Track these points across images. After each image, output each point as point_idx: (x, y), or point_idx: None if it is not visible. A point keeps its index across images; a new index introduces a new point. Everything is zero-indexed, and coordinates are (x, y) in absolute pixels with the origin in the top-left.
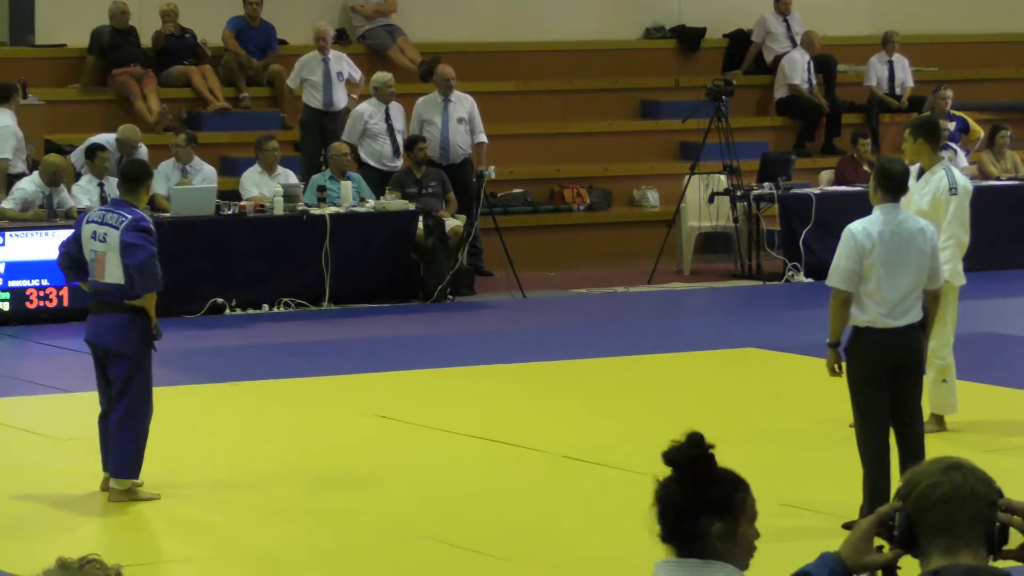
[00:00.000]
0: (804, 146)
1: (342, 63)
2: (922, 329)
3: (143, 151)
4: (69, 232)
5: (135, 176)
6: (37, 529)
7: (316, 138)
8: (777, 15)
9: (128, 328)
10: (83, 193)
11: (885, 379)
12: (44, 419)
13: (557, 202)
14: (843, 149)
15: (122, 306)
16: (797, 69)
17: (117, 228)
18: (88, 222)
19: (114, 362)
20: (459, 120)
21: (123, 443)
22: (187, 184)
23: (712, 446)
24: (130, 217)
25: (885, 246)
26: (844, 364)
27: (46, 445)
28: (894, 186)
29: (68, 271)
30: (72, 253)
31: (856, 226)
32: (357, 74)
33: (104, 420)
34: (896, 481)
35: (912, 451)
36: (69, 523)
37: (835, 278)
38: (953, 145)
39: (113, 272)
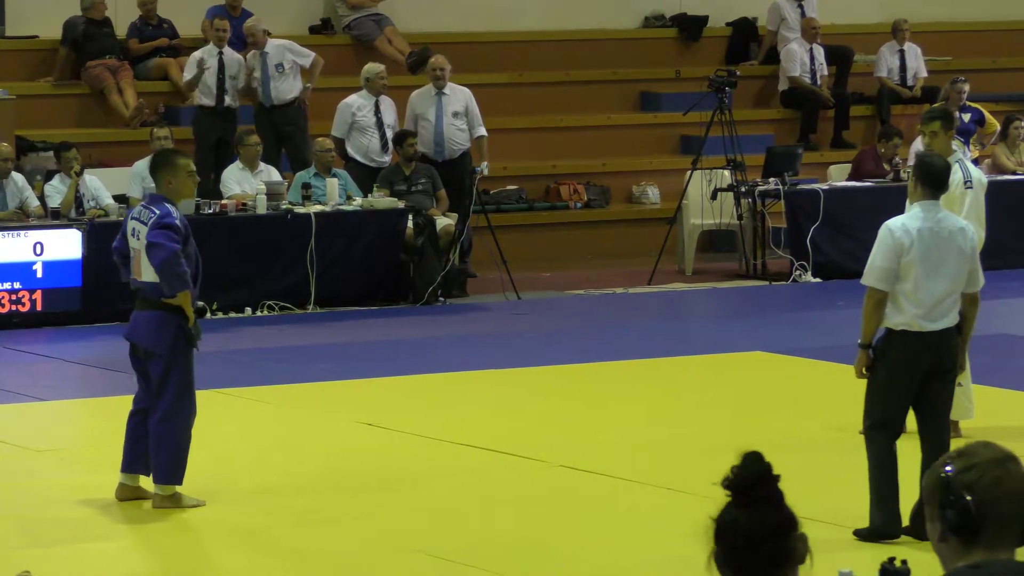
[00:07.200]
0: (809, 139)
1: (284, 54)
2: (958, 333)
3: None
4: (42, 231)
5: (153, 165)
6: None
7: (270, 134)
8: (791, 1)
9: (161, 326)
10: (56, 192)
11: (912, 387)
12: (18, 429)
13: (553, 199)
14: (853, 142)
15: (157, 304)
16: (796, 60)
17: (147, 225)
18: (131, 218)
19: (151, 361)
20: (454, 114)
21: (161, 446)
22: None
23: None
24: (157, 213)
25: (924, 244)
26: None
27: (25, 457)
28: (935, 182)
29: (122, 267)
30: (122, 249)
31: (895, 223)
32: (306, 60)
33: (133, 418)
34: (907, 489)
35: (934, 459)
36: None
37: (871, 277)
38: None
39: (147, 270)
